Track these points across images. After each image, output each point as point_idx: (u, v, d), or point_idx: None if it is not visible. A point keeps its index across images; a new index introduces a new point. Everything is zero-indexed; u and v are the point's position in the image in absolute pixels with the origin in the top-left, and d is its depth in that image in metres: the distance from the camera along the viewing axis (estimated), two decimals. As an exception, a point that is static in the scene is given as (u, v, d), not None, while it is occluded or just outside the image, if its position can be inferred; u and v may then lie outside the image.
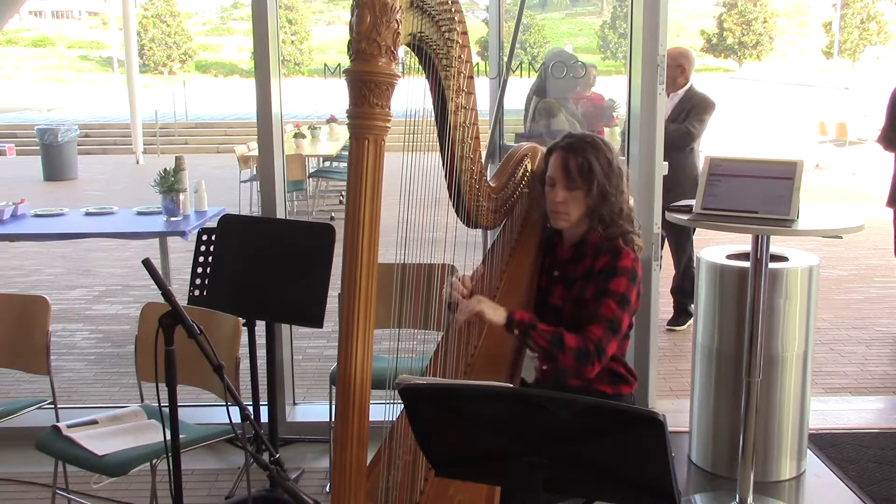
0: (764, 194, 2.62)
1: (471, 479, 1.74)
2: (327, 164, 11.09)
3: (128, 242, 6.35)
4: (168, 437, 2.03)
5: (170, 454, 2.03)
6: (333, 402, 1.80)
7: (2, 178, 13.84)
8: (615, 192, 2.24)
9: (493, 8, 4.11)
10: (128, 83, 16.01)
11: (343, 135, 11.05)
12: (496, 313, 2.10)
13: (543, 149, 2.49)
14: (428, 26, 1.83)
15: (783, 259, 3.15)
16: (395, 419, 1.98)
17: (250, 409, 3.01)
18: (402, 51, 1.71)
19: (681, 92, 4.93)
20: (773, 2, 49.77)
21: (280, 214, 3.54)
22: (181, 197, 4.79)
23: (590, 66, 4.15)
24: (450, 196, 2.18)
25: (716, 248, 3.34)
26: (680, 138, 4.74)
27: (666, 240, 4.95)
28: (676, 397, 4.11)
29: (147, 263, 1.92)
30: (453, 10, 1.89)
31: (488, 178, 2.33)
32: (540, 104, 4.05)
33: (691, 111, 4.86)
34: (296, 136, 10.24)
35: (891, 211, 5.00)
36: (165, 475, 2.08)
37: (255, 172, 9.16)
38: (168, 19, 48.73)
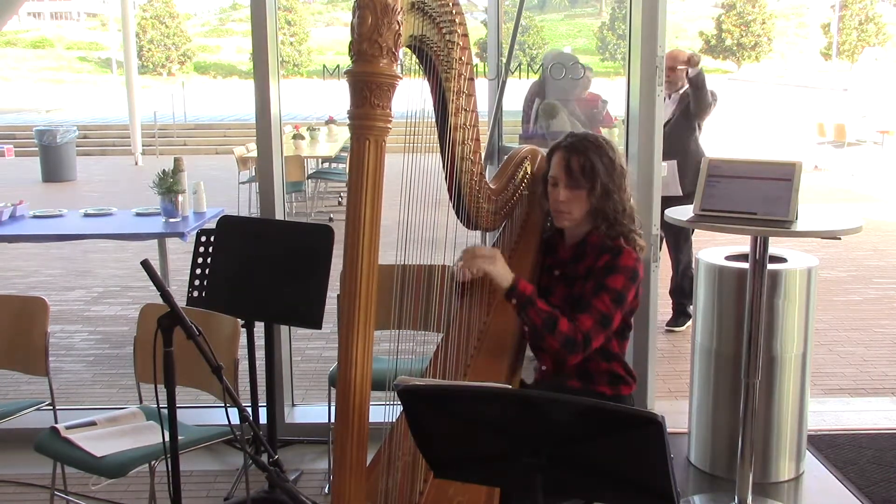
0: (763, 195, 2.62)
1: (470, 481, 1.74)
2: (326, 165, 11.09)
3: (126, 244, 6.34)
4: (167, 438, 2.03)
5: (168, 455, 2.02)
6: (332, 404, 1.80)
7: (0, 179, 13.84)
8: (618, 190, 2.25)
9: (491, 9, 4.10)
10: (126, 84, 16.00)
11: (341, 136, 11.05)
12: (503, 277, 2.12)
13: (543, 151, 2.49)
14: (429, 28, 1.83)
15: (782, 260, 3.16)
16: (394, 420, 1.98)
17: (249, 410, 3.00)
18: (400, 52, 1.71)
19: (682, 91, 4.98)
20: (771, 3, 49.82)
21: (279, 216, 3.54)
22: (180, 198, 4.79)
23: (586, 67, 4.16)
24: (450, 197, 2.19)
25: (715, 249, 3.34)
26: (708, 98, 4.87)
27: (664, 241, 4.96)
28: (675, 398, 4.11)
29: (146, 265, 1.92)
30: (454, 11, 1.89)
31: (487, 180, 2.33)
32: (541, 105, 4.06)
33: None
34: (294, 137, 10.25)
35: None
36: (164, 476, 2.08)
37: (253, 174, 9.16)
38: (167, 20, 48.75)
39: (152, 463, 2.50)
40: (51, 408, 2.92)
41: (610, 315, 2.19)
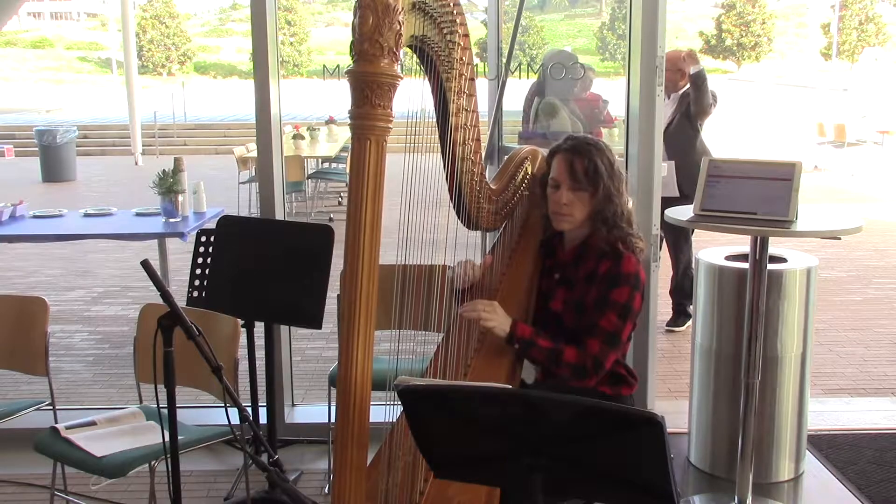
0: (763, 195, 2.62)
1: (470, 481, 1.74)
2: (326, 165, 11.09)
3: (126, 244, 6.35)
4: (167, 438, 2.03)
5: (168, 455, 2.02)
6: (332, 404, 1.80)
7: (0, 179, 13.83)
8: (617, 193, 2.25)
9: (491, 9, 4.10)
10: (126, 84, 15.99)
11: (342, 136, 11.05)
12: (501, 329, 2.14)
13: (544, 151, 2.49)
14: (430, 28, 1.83)
15: (782, 260, 3.16)
16: (394, 420, 1.98)
17: (249, 410, 3.00)
18: (401, 52, 1.71)
19: (680, 91, 4.98)
20: (771, 3, 49.85)
21: (279, 216, 3.54)
22: (180, 198, 4.79)
23: (587, 67, 4.15)
24: (451, 197, 2.19)
25: (714, 249, 3.34)
26: (708, 98, 4.86)
27: (664, 241, 4.96)
28: (675, 398, 4.11)
29: (146, 265, 1.92)
30: (455, 12, 1.90)
31: (488, 181, 2.33)
32: (542, 104, 4.05)
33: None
34: (294, 137, 10.25)
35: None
36: (164, 476, 2.08)
37: (253, 174, 9.16)
38: (167, 20, 48.78)
39: (152, 463, 2.50)
40: (51, 408, 2.92)
41: (617, 332, 2.19)
